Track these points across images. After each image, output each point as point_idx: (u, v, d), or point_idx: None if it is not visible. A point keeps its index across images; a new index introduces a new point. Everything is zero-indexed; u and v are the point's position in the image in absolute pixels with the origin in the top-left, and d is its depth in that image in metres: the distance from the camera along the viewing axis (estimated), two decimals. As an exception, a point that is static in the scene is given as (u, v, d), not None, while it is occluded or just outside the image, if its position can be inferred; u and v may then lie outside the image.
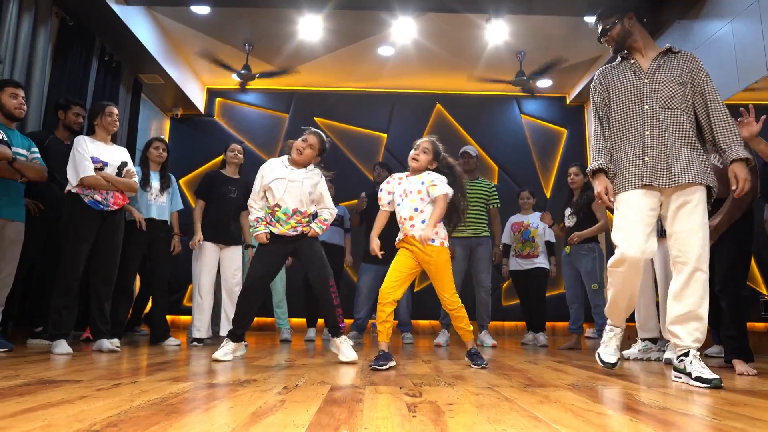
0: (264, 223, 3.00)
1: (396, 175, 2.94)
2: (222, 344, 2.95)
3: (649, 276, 3.48)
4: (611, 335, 2.62)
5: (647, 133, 2.39)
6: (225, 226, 4.26)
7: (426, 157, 2.82)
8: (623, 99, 2.49)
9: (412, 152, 2.85)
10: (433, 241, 2.73)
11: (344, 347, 2.93)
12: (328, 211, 3.15)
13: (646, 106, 2.42)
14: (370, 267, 4.93)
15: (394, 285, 2.72)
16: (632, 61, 2.54)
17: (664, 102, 2.40)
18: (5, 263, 3.29)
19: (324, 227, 3.10)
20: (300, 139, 3.07)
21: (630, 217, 2.37)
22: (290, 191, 2.99)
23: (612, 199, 2.42)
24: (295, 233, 2.99)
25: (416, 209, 2.78)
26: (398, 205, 2.84)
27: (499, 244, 4.91)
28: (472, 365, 2.75)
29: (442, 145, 2.95)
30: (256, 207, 3.02)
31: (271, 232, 2.99)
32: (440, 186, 2.78)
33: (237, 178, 4.40)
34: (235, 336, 2.94)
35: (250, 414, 1.39)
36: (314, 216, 3.09)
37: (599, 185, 2.46)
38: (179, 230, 4.39)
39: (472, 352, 2.80)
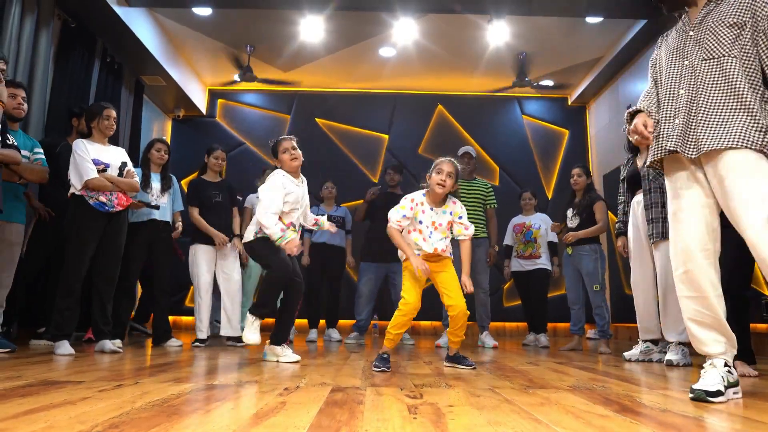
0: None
1: (417, 200, 2.77)
2: (247, 324, 2.97)
3: (651, 278, 3.48)
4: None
5: (681, 91, 2.00)
6: (215, 228, 4.24)
7: (451, 182, 2.73)
8: (670, 60, 2.09)
9: (438, 177, 2.70)
10: (450, 254, 2.80)
11: (284, 351, 3.00)
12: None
13: (686, 62, 2.01)
14: (369, 266, 4.93)
15: (418, 300, 2.70)
16: (683, 17, 2.12)
17: (708, 52, 1.96)
18: (6, 265, 3.31)
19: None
20: (292, 148, 3.07)
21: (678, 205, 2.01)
22: (300, 209, 3.09)
23: (650, 131, 2.01)
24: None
25: (442, 240, 2.76)
26: (428, 236, 2.74)
27: (495, 245, 4.88)
28: (461, 367, 2.74)
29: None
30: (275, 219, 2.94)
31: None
32: (471, 229, 2.82)
33: (219, 181, 4.43)
34: (260, 311, 2.97)
35: (252, 415, 1.39)
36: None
37: (637, 118, 2.04)
38: (181, 229, 4.41)
39: (457, 356, 2.80)
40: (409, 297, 2.68)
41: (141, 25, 5.49)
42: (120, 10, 5.02)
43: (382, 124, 7.61)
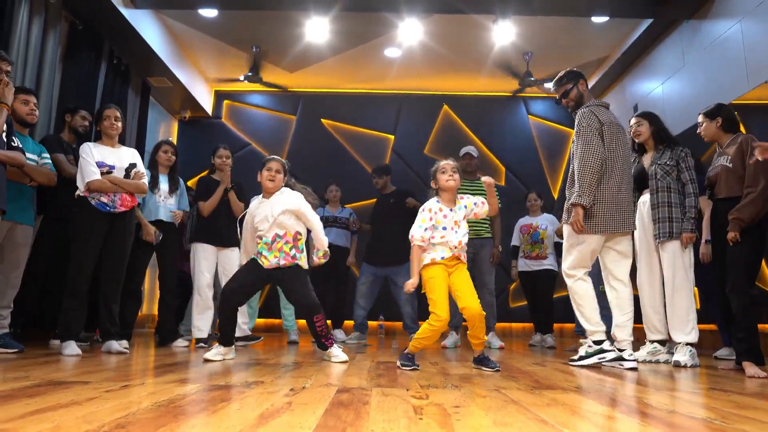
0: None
1: (434, 208, 2.79)
2: (214, 345, 3.05)
3: (658, 278, 3.46)
4: None
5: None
6: (220, 228, 4.25)
7: (458, 175, 2.83)
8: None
9: (445, 176, 2.78)
10: (464, 258, 2.82)
11: (334, 351, 3.04)
12: (314, 227, 3.18)
13: None
14: (369, 267, 4.94)
15: (448, 308, 2.68)
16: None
17: None
18: (14, 266, 3.33)
19: (321, 253, 3.19)
20: (264, 169, 3.12)
21: None
22: (262, 220, 3.07)
23: None
24: (278, 263, 3.02)
25: (464, 234, 2.80)
26: (452, 234, 2.76)
27: (499, 245, 4.85)
28: (486, 369, 2.69)
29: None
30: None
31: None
32: (484, 203, 2.89)
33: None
34: (224, 340, 3.03)
35: (257, 416, 1.40)
36: (298, 235, 3.10)
37: None
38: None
39: (482, 357, 2.76)
40: (441, 312, 2.64)
41: (147, 26, 5.52)
42: (126, 12, 5.05)
43: (387, 125, 7.61)
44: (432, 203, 2.81)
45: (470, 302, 2.67)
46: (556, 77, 3.38)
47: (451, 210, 2.81)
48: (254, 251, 3.11)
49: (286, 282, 3.08)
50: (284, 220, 3.04)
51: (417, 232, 2.75)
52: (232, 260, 4.27)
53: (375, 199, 5.48)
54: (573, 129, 3.25)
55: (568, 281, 3.19)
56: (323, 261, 3.19)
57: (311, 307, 3.02)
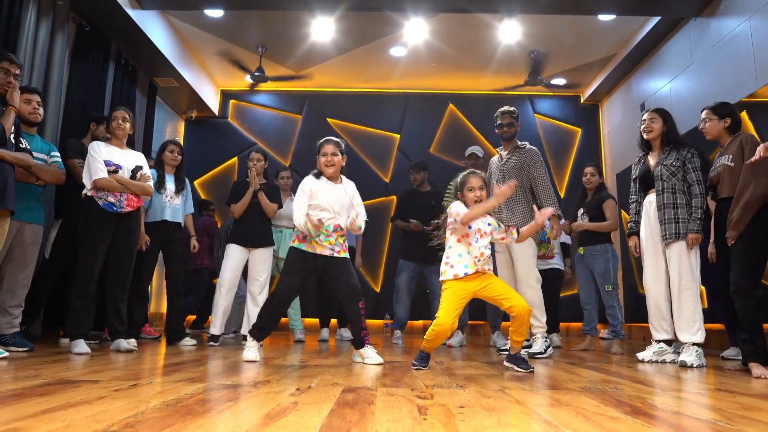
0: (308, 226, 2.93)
1: (461, 211, 2.75)
2: (247, 344, 2.98)
3: (664, 278, 3.45)
4: None
5: None
6: (252, 228, 4.30)
7: (485, 192, 2.76)
8: None
9: (472, 194, 2.71)
10: (490, 269, 2.75)
11: (369, 352, 2.97)
12: (361, 213, 3.14)
13: None
14: (407, 264, 4.84)
15: (454, 319, 2.66)
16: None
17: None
18: (23, 265, 3.36)
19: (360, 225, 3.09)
20: (321, 154, 3.08)
21: None
22: (333, 205, 3.02)
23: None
24: (330, 252, 2.99)
25: (488, 248, 2.76)
26: (476, 241, 2.72)
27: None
28: (518, 369, 2.67)
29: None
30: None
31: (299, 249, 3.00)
32: (508, 232, 2.82)
33: (260, 183, 4.43)
34: (259, 334, 2.97)
35: (263, 416, 1.41)
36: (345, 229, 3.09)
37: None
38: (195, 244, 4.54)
39: (517, 356, 2.72)
40: (444, 318, 2.62)
41: (154, 27, 5.55)
42: (133, 13, 5.08)
43: (393, 124, 7.61)
44: (462, 207, 2.73)
45: (516, 301, 2.65)
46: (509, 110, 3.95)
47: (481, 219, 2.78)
48: (305, 231, 2.95)
49: (333, 269, 3.01)
50: (350, 211, 3.05)
51: (461, 208, 2.68)
52: (263, 261, 4.31)
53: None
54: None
55: None
56: (360, 228, 3.13)
57: (357, 294, 2.99)
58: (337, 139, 3.14)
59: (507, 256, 3.82)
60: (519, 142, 3.94)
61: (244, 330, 4.25)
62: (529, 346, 3.57)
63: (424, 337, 2.73)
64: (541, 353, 3.55)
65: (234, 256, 4.26)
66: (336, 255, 3.01)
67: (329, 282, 3.09)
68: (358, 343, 3.03)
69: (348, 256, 3.09)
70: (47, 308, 4.23)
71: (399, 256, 4.98)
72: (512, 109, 3.98)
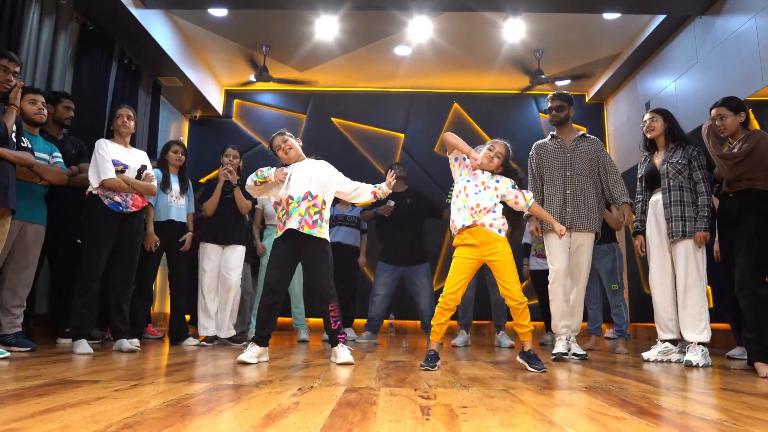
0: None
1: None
2: (248, 347, 2.92)
3: (670, 277, 3.42)
4: None
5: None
6: (224, 226, 4.26)
7: (497, 162, 2.85)
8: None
9: (485, 150, 2.88)
10: (500, 231, 2.74)
11: (340, 351, 2.89)
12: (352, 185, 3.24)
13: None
14: (386, 267, 4.91)
15: (457, 290, 2.67)
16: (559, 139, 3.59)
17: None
18: (26, 265, 3.36)
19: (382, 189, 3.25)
20: (276, 149, 3.14)
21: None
22: (297, 178, 3.02)
23: None
24: (298, 225, 2.89)
25: (495, 204, 2.75)
26: (476, 193, 2.74)
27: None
28: (530, 368, 2.65)
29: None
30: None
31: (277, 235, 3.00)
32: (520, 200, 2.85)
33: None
34: (260, 340, 2.90)
35: (264, 416, 1.40)
36: (323, 205, 3.04)
37: None
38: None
39: (530, 354, 2.71)
40: (447, 290, 2.68)
41: (158, 26, 5.55)
42: (137, 12, 5.08)
43: (397, 123, 7.60)
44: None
45: (510, 289, 2.68)
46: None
47: (483, 172, 2.82)
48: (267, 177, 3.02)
49: (309, 256, 2.97)
50: (319, 184, 3.04)
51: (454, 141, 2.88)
52: (236, 258, 4.27)
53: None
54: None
55: None
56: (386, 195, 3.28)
57: (329, 291, 2.96)
58: (280, 131, 3.17)
59: (586, 257, 3.60)
60: (578, 131, 3.76)
61: (222, 333, 4.20)
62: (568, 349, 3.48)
63: (432, 323, 2.74)
64: (584, 355, 3.46)
65: (210, 257, 4.22)
66: (309, 233, 2.91)
67: (306, 276, 3.06)
68: (333, 341, 3.00)
69: (327, 237, 3.03)
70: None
71: (379, 258, 5.00)
72: (564, 92, 3.78)
